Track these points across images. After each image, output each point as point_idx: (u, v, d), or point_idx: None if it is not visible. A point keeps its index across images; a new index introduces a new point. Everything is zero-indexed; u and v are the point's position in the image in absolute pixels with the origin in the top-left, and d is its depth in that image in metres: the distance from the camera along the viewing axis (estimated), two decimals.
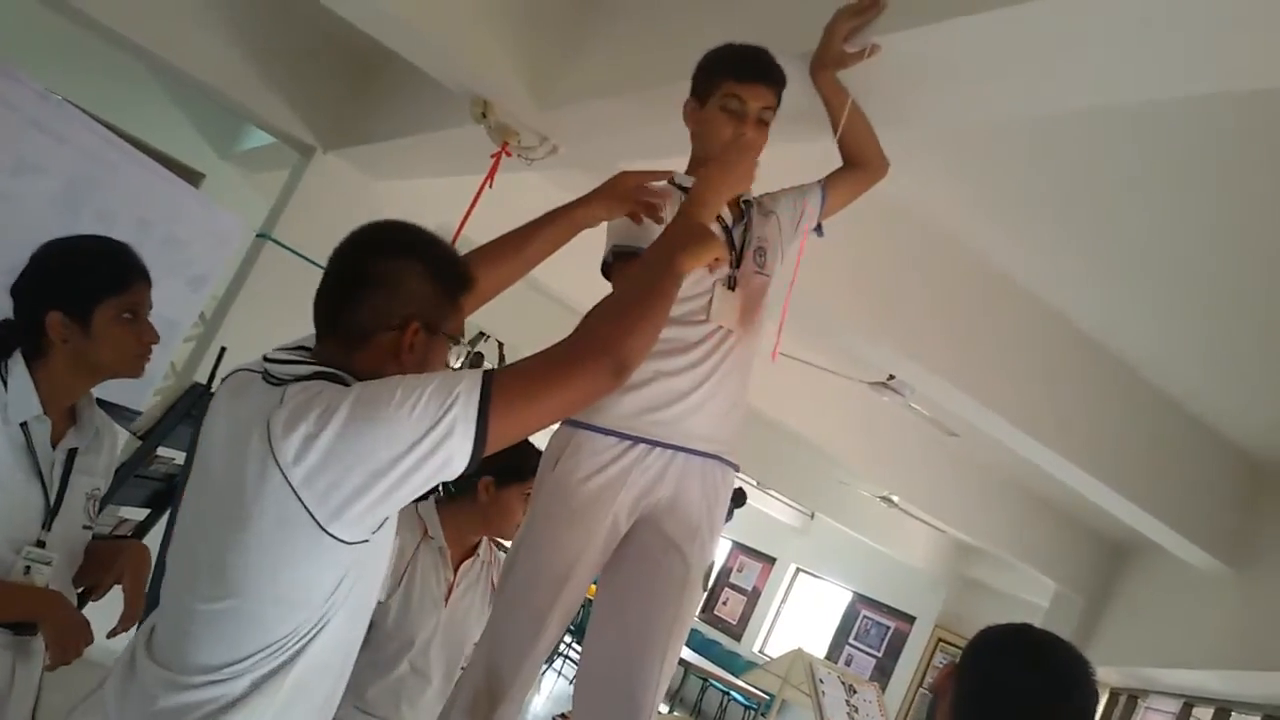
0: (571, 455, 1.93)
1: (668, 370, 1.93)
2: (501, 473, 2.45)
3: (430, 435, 1.27)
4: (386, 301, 1.43)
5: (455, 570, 2.45)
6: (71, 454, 1.85)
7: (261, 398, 1.36)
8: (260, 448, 1.29)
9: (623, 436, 1.92)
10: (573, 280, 5.87)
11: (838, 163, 2.19)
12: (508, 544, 2.22)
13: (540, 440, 2.69)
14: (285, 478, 1.27)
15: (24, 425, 1.76)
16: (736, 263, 2.00)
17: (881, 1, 1.89)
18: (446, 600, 2.41)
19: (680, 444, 1.95)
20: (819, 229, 2.22)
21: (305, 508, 1.28)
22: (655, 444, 1.93)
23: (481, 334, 8.63)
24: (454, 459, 1.30)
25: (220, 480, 1.35)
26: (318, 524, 1.29)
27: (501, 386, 1.32)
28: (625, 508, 1.94)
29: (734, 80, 1.97)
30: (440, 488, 2.52)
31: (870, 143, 2.16)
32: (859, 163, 2.17)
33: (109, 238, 1.95)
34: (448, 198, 4.94)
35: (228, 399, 1.45)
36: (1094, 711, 1.48)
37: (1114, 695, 7.21)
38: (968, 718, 1.49)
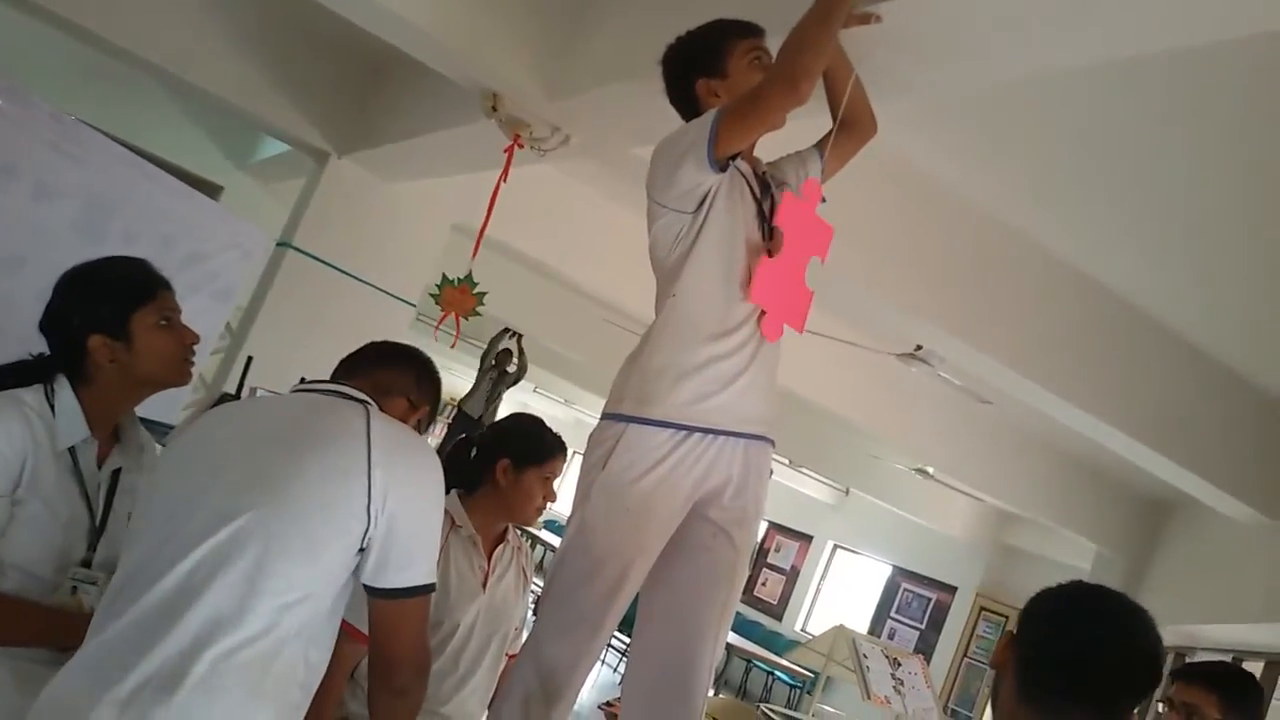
0: (623, 452, 1.89)
1: (719, 354, 1.91)
2: (518, 455, 2.45)
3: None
4: (415, 384, 1.92)
5: (488, 558, 2.46)
6: (116, 474, 1.87)
7: (347, 408, 1.63)
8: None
9: (678, 427, 1.89)
10: (593, 274, 5.90)
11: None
12: (530, 529, 2.24)
13: (565, 429, 2.71)
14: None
15: (71, 449, 1.77)
16: (770, 234, 1.99)
17: None
18: (484, 586, 2.42)
19: (732, 429, 1.93)
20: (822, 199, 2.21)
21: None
22: (709, 431, 1.90)
23: (506, 330, 8.68)
24: None
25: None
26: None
27: None
28: (681, 500, 1.92)
29: (750, 38, 2.01)
30: (464, 479, 2.54)
31: (864, 104, 2.15)
32: (852, 124, 2.14)
33: (121, 256, 1.97)
34: (462, 195, 4.97)
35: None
36: (1162, 658, 1.42)
37: None
38: (1034, 683, 1.43)
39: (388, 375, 1.87)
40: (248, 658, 1.43)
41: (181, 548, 1.46)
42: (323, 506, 1.49)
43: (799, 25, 1.84)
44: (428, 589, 1.62)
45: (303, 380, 1.81)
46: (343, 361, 1.90)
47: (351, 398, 1.67)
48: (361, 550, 1.53)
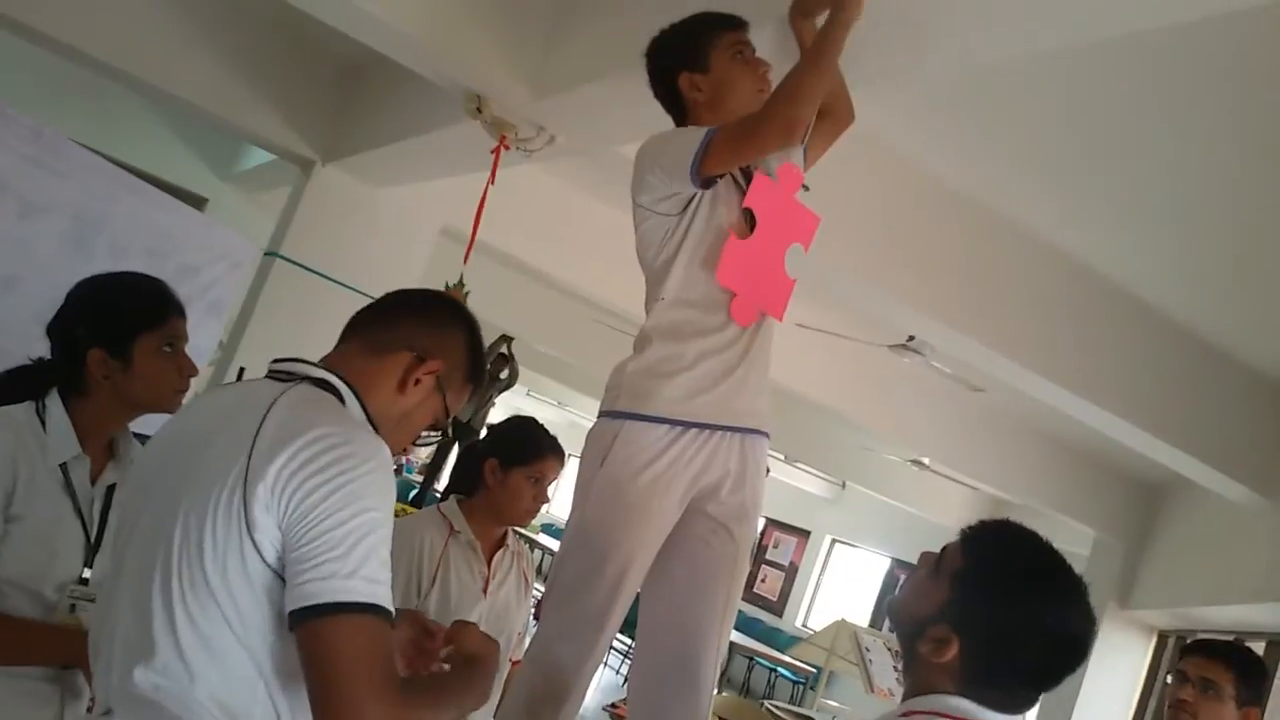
0: (621, 448, 1.90)
1: (711, 349, 1.92)
2: (505, 455, 2.45)
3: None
4: (424, 333, 1.48)
5: (489, 563, 2.45)
6: (110, 490, 1.86)
7: (269, 387, 1.34)
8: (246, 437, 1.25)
9: (674, 423, 1.89)
10: (583, 275, 5.88)
11: None
12: (528, 533, 2.22)
13: (559, 431, 2.70)
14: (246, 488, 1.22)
15: (63, 465, 1.77)
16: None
17: None
18: (485, 592, 2.41)
19: (728, 423, 1.94)
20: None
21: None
22: (705, 426, 1.91)
23: (504, 336, 8.63)
24: None
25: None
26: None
27: None
28: (679, 495, 1.92)
29: (731, 30, 2.01)
30: (463, 484, 2.53)
31: (842, 93, 2.16)
32: (831, 113, 2.15)
33: (143, 273, 1.97)
34: (449, 199, 4.95)
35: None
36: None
37: (1163, 637, 7.16)
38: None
39: (386, 330, 1.47)
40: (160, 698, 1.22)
41: (112, 568, 1.37)
42: (204, 517, 1.21)
43: (798, 71, 1.86)
44: (361, 609, 1.19)
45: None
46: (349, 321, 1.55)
47: (289, 376, 1.37)
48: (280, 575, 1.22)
